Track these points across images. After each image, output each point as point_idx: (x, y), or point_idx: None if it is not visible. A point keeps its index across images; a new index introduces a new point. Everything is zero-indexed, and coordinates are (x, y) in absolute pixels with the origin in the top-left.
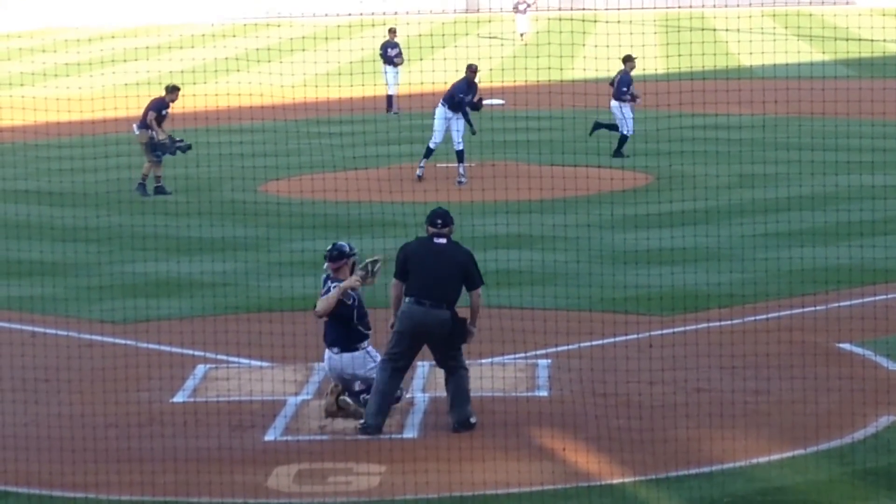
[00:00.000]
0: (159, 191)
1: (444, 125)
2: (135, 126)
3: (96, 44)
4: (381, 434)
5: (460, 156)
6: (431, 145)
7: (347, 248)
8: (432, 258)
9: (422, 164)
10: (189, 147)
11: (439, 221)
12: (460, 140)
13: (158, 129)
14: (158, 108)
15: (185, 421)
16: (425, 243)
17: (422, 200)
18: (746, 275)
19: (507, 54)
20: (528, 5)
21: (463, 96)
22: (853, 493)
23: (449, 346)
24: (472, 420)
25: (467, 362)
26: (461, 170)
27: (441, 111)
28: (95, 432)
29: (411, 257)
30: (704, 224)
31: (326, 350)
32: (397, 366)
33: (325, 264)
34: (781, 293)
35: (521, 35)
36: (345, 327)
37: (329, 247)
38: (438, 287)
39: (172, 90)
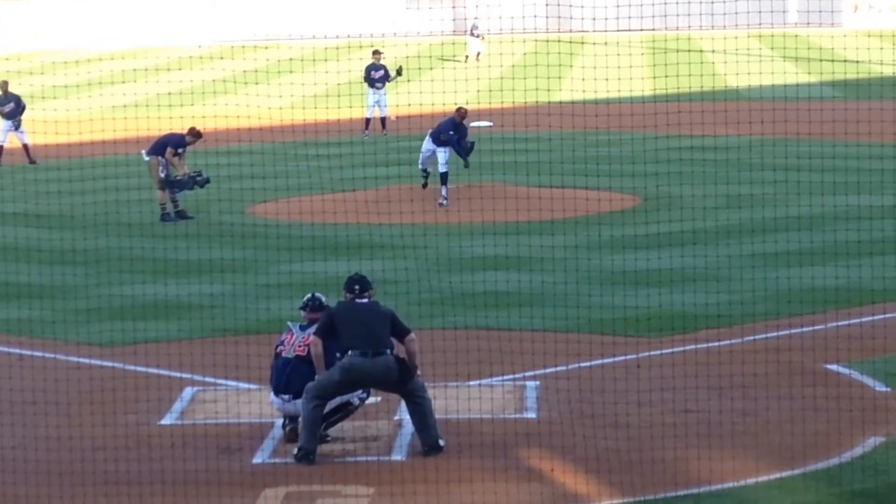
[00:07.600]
0: (181, 215)
1: (429, 155)
2: (144, 152)
3: (84, 66)
4: (369, 456)
5: (444, 178)
6: (420, 166)
7: (325, 300)
8: (360, 313)
9: (424, 181)
10: (208, 181)
11: (357, 287)
12: (445, 163)
13: (178, 165)
14: (177, 145)
15: (173, 444)
16: (349, 304)
17: (409, 222)
18: (734, 296)
19: (494, 76)
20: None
21: (451, 135)
22: None
23: (401, 385)
24: (441, 443)
25: (455, 384)
26: (444, 192)
27: (427, 143)
28: (83, 455)
29: (338, 318)
30: (692, 245)
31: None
32: (323, 402)
33: (302, 313)
34: (769, 314)
35: (478, 55)
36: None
37: (308, 296)
38: (373, 336)
39: (196, 135)
